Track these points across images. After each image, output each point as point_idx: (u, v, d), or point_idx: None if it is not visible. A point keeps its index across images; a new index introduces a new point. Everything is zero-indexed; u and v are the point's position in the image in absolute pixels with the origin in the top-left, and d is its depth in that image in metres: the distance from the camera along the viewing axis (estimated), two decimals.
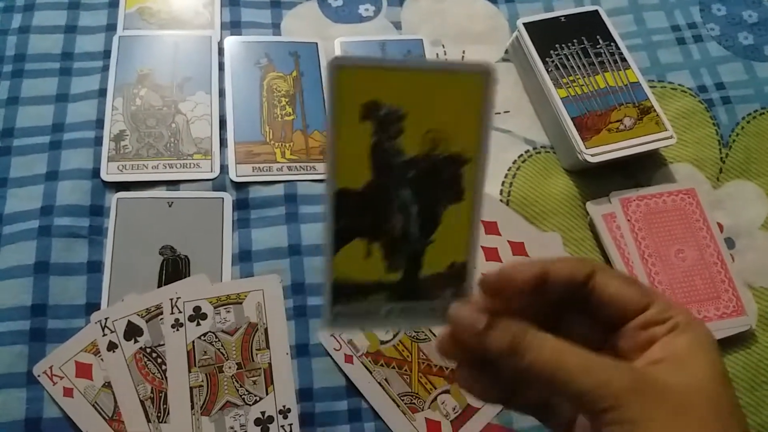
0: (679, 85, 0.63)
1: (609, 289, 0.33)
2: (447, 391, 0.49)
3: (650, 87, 0.59)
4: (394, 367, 0.49)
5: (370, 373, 0.49)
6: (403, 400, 0.48)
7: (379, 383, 0.49)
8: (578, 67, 0.58)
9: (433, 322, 0.32)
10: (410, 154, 0.28)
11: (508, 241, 0.54)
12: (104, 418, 0.46)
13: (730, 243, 0.56)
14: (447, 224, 0.30)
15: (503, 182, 0.57)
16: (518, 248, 0.54)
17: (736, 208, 0.58)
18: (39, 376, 0.46)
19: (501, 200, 0.56)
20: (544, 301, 0.33)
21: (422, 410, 0.48)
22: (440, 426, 0.48)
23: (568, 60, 0.58)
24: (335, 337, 0.49)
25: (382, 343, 0.50)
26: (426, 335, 0.50)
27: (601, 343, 0.34)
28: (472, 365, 0.33)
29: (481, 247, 0.53)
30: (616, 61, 0.59)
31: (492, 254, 0.53)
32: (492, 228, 0.54)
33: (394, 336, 0.50)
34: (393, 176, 0.29)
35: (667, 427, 0.29)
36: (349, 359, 0.49)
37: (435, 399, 0.49)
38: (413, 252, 0.30)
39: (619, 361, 0.32)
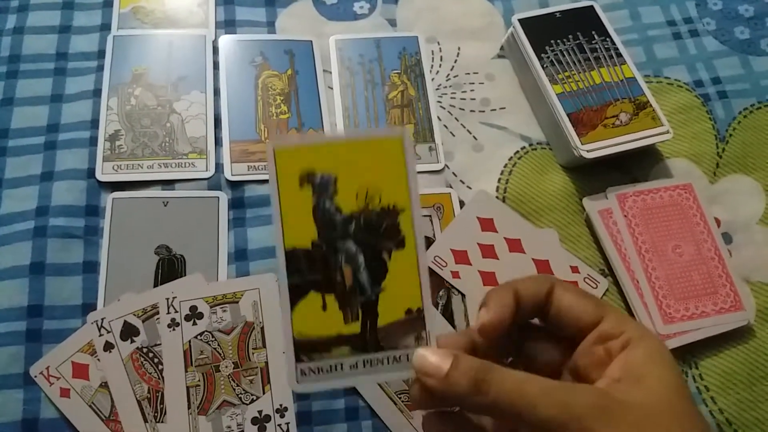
0: (675, 80, 0.62)
1: (563, 302, 0.35)
2: None
3: (646, 82, 0.59)
4: None
5: None
6: (400, 398, 0.48)
7: (379, 384, 0.48)
8: (574, 62, 0.58)
9: (399, 372, 0.34)
10: (348, 211, 0.32)
11: (505, 237, 0.54)
12: (101, 418, 0.46)
13: (727, 238, 0.56)
14: (395, 272, 0.33)
15: (499, 179, 0.57)
16: (515, 245, 0.54)
17: (733, 203, 0.58)
18: (36, 376, 0.46)
19: (497, 197, 0.56)
20: (507, 332, 0.35)
21: None
22: None
23: (564, 56, 0.58)
24: None
25: None
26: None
27: (561, 366, 0.36)
28: (441, 416, 0.35)
29: (478, 244, 0.53)
30: (611, 57, 0.58)
31: (489, 251, 0.53)
32: (489, 225, 0.54)
33: None
34: (336, 232, 0.32)
35: None
36: None
37: None
38: (367, 302, 0.33)
39: (579, 384, 0.33)
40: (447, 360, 0.32)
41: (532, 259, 0.53)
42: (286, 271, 0.32)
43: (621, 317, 0.35)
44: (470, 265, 0.53)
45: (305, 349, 0.32)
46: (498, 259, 0.53)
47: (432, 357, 0.33)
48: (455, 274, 0.52)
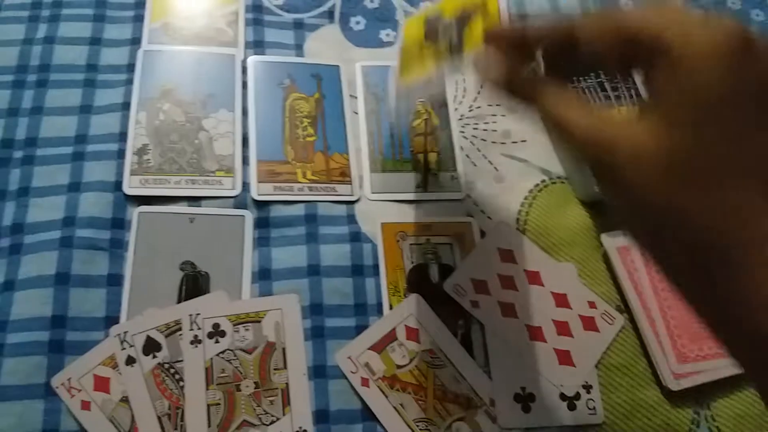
0: None
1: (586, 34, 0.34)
2: (462, 419, 0.49)
3: None
4: (409, 392, 0.49)
5: (386, 397, 0.49)
6: (418, 426, 0.48)
7: (395, 408, 0.49)
8: (594, 100, 0.59)
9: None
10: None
11: (525, 270, 0.55)
12: None
13: None
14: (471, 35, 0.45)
15: (519, 211, 0.58)
16: (534, 277, 0.54)
17: None
18: (57, 388, 0.46)
19: (517, 228, 0.57)
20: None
21: None
22: None
23: (585, 93, 0.59)
24: (352, 360, 0.50)
25: (399, 367, 0.50)
26: (441, 362, 0.51)
27: None
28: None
29: (498, 275, 0.54)
30: (632, 96, 0.60)
31: (508, 282, 0.54)
32: (509, 256, 0.55)
33: (411, 361, 0.50)
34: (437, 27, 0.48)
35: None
36: (365, 382, 0.49)
37: (450, 426, 0.49)
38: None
39: (610, 114, 0.33)
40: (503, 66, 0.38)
41: (551, 292, 0.54)
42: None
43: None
44: (490, 295, 0.53)
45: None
46: (517, 290, 0.54)
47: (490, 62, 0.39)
48: (475, 304, 0.53)
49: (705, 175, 0.29)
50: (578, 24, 0.35)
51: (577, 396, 0.51)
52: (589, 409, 0.50)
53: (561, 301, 0.54)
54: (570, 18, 0.36)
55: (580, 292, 0.54)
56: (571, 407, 0.50)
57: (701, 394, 0.52)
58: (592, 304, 0.54)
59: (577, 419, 0.50)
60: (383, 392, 0.49)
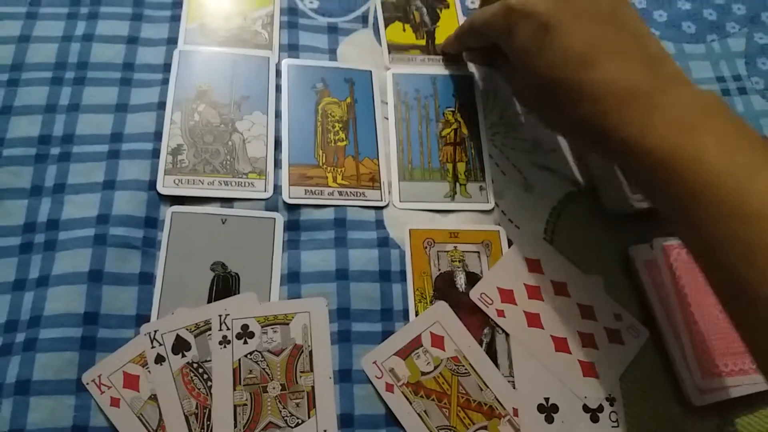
0: None
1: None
2: (485, 428, 0.49)
3: None
4: (433, 399, 0.50)
5: (410, 403, 0.49)
6: None
7: (419, 414, 0.49)
8: None
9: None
10: None
11: (551, 280, 0.55)
12: (148, 430, 0.46)
13: None
14: (444, 20, 0.66)
15: (547, 221, 0.58)
16: (560, 288, 0.54)
17: None
18: (87, 384, 0.47)
19: (545, 238, 0.57)
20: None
21: None
22: None
23: None
24: (377, 365, 0.50)
25: (423, 374, 0.50)
26: (466, 370, 0.51)
27: None
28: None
29: (524, 285, 0.54)
30: None
31: (534, 292, 0.54)
32: (536, 266, 0.55)
33: (435, 368, 0.51)
34: None
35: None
36: (389, 388, 0.50)
37: None
38: (428, 31, 0.65)
39: None
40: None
41: (577, 303, 0.54)
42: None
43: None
44: (516, 305, 0.54)
45: (394, 49, 0.64)
46: (543, 301, 0.54)
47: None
48: (500, 313, 0.53)
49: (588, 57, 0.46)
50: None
51: (600, 408, 0.51)
52: (612, 421, 0.51)
53: (587, 313, 0.54)
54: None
55: (606, 305, 0.54)
56: (594, 419, 0.50)
57: (725, 410, 0.52)
58: (618, 317, 0.54)
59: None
60: (407, 398, 0.49)
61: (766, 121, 0.65)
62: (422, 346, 0.51)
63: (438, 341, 0.51)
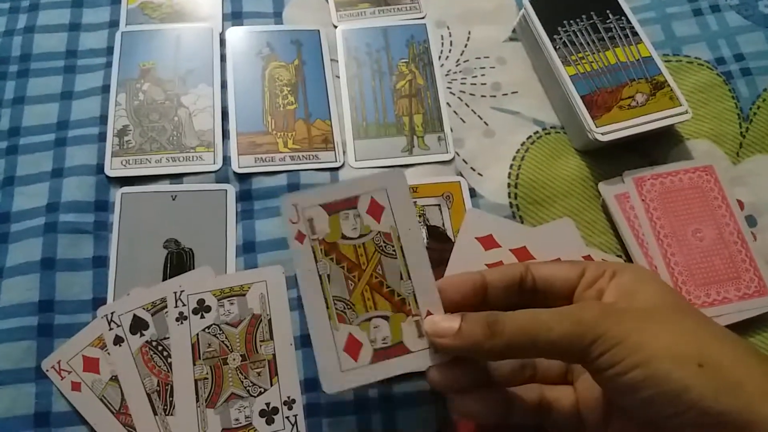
0: (695, 58, 0.60)
1: (543, 272, 0.39)
2: (386, 318, 0.42)
3: (665, 61, 0.57)
4: (342, 267, 0.42)
5: (316, 261, 0.42)
6: (335, 305, 0.42)
7: (320, 276, 0.42)
8: (587, 43, 0.56)
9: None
10: None
11: (510, 249, 0.50)
12: (111, 411, 0.46)
13: (751, 221, 0.54)
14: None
15: (511, 165, 0.55)
16: (522, 253, 0.49)
17: (757, 184, 0.55)
18: (47, 370, 0.47)
19: (510, 183, 0.55)
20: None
21: (350, 324, 0.42)
22: (360, 348, 0.42)
23: (577, 36, 0.56)
24: (296, 209, 0.42)
25: (344, 237, 0.43)
26: (394, 251, 0.43)
27: None
28: (465, 391, 0.39)
29: (486, 265, 0.48)
30: (627, 36, 0.57)
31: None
32: (490, 242, 0.50)
33: (360, 236, 0.43)
34: None
35: (650, 332, 0.33)
36: (300, 237, 0.42)
37: (369, 320, 0.42)
38: None
39: (583, 302, 0.37)
40: (456, 319, 0.37)
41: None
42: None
43: (600, 263, 0.38)
44: None
45: (342, 5, 0.60)
46: None
47: (441, 319, 0.38)
48: None
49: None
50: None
51: None
52: None
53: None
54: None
55: (573, 250, 0.51)
56: None
57: None
58: (587, 258, 0.51)
59: None
60: (315, 254, 0.42)
61: (743, 38, 0.61)
62: (356, 208, 0.43)
63: (376, 210, 0.43)
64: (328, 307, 0.42)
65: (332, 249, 0.42)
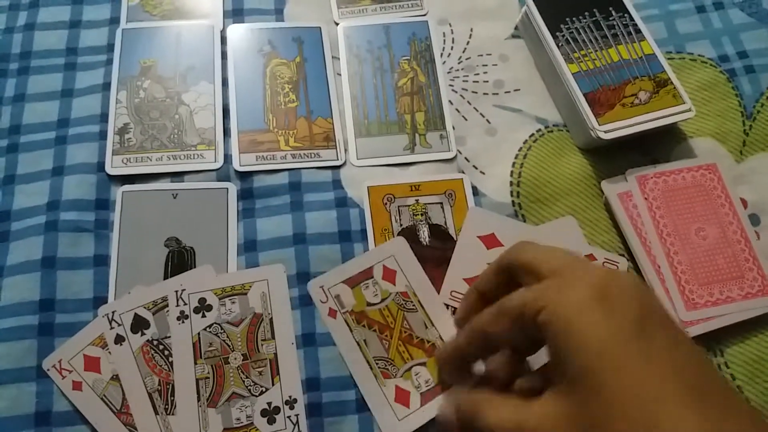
0: (699, 55, 0.60)
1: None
2: (423, 364, 0.48)
3: (668, 59, 0.57)
4: (375, 330, 0.49)
5: (351, 330, 0.48)
6: (377, 363, 0.48)
7: (357, 342, 0.48)
8: (590, 40, 0.56)
9: None
10: None
11: None
12: (113, 410, 0.46)
13: (755, 219, 0.54)
14: None
15: (513, 163, 0.55)
16: None
17: (761, 182, 0.55)
18: (48, 370, 0.46)
19: (512, 181, 0.54)
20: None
21: (394, 377, 0.47)
22: (409, 396, 0.47)
23: (580, 34, 0.56)
24: (323, 290, 0.49)
25: (369, 305, 0.49)
26: (414, 306, 0.49)
27: None
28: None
29: (488, 264, 0.49)
30: (630, 33, 0.56)
31: None
32: (492, 240, 0.51)
33: (382, 300, 0.49)
34: None
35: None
36: (332, 313, 0.49)
37: (409, 369, 0.48)
38: None
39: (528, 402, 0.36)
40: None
41: None
42: None
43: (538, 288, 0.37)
44: None
45: (343, 2, 0.60)
46: None
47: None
48: None
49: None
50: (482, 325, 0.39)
51: None
52: None
53: None
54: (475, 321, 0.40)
55: (575, 249, 0.50)
56: None
57: (713, 341, 0.49)
58: (591, 257, 0.51)
59: None
60: (348, 325, 0.49)
61: (746, 35, 0.60)
62: (372, 277, 0.50)
63: (390, 275, 0.50)
64: (371, 368, 0.48)
65: (362, 317, 0.49)
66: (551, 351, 0.35)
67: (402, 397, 0.47)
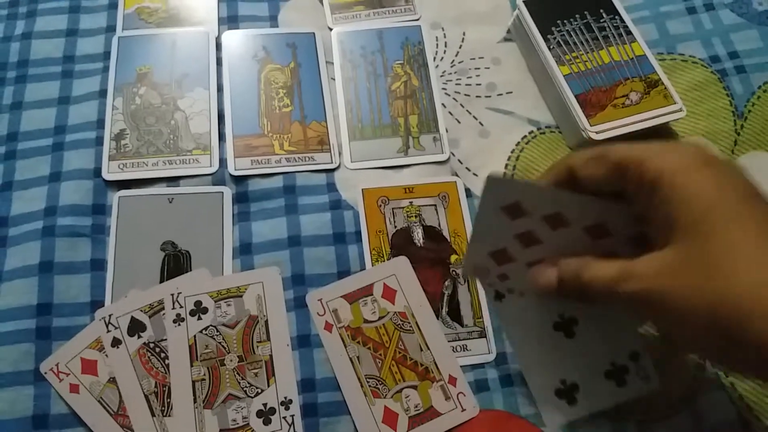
0: (690, 56, 0.60)
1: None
2: (414, 387, 0.48)
3: (659, 60, 0.57)
4: (369, 348, 0.49)
5: (345, 346, 0.49)
6: (368, 382, 0.48)
7: (350, 359, 0.48)
8: (581, 42, 0.56)
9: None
10: None
11: (542, 216, 0.41)
12: (110, 413, 0.46)
13: None
14: None
15: (506, 165, 0.56)
16: (556, 220, 0.37)
17: None
18: (46, 373, 0.47)
19: None
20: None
21: (384, 397, 0.47)
22: (397, 418, 0.47)
23: (571, 36, 0.57)
24: (321, 303, 0.50)
25: (366, 321, 0.49)
26: (411, 327, 0.49)
27: None
28: None
29: (515, 235, 0.41)
30: (621, 35, 0.57)
31: (529, 238, 0.41)
32: (516, 210, 0.42)
33: (379, 318, 0.50)
34: None
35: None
36: (328, 327, 0.49)
37: (400, 391, 0.48)
38: None
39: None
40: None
41: (583, 228, 0.40)
42: None
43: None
44: (515, 261, 0.43)
45: (337, 8, 0.60)
46: (542, 242, 0.41)
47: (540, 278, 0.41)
48: (503, 277, 0.43)
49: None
50: (574, 162, 0.39)
51: (625, 369, 0.44)
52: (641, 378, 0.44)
53: (598, 231, 0.41)
54: (564, 159, 0.40)
55: (617, 215, 0.41)
56: (621, 383, 0.44)
57: None
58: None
59: (629, 393, 0.44)
60: (343, 340, 0.49)
61: (737, 35, 0.61)
62: (372, 294, 0.50)
63: (389, 294, 0.50)
64: (362, 386, 0.47)
65: (358, 333, 0.49)
66: (656, 204, 0.34)
67: (390, 418, 0.47)
